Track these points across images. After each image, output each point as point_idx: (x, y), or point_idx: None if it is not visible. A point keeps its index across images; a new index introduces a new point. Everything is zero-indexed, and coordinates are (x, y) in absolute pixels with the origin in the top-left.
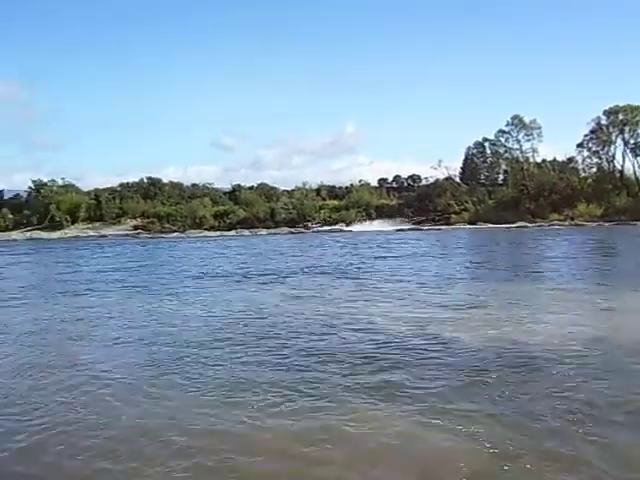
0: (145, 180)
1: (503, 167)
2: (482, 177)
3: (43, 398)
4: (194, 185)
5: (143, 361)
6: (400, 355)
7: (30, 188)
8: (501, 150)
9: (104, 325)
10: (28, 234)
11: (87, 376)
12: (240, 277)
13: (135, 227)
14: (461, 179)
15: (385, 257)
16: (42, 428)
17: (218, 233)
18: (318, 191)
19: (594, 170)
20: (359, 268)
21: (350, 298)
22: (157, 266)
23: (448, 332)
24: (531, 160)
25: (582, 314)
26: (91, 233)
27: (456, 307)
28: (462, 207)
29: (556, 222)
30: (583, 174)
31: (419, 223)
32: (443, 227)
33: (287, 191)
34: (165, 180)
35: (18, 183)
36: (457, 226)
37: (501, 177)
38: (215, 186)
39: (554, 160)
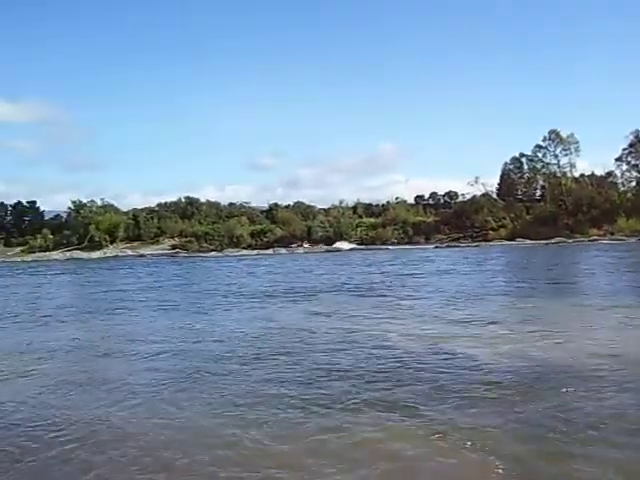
0: (183, 200)
1: (540, 182)
2: (519, 193)
3: (76, 412)
4: (231, 204)
5: (168, 377)
6: (413, 371)
7: (70, 209)
8: (538, 165)
9: (133, 342)
10: (68, 254)
11: (116, 391)
12: (268, 295)
13: (173, 246)
14: (498, 195)
15: (418, 274)
16: (72, 439)
17: (255, 252)
18: (354, 209)
19: (633, 184)
20: (388, 285)
21: (370, 315)
22: (190, 285)
23: (463, 348)
24: (569, 175)
25: (607, 330)
26: (130, 253)
27: (475, 323)
28: (499, 223)
29: (595, 237)
30: (622, 188)
31: (456, 240)
32: (481, 244)
33: (324, 209)
34: (202, 199)
35: (58, 204)
36: (495, 242)
37: (539, 193)
38: (252, 205)
39: (592, 175)
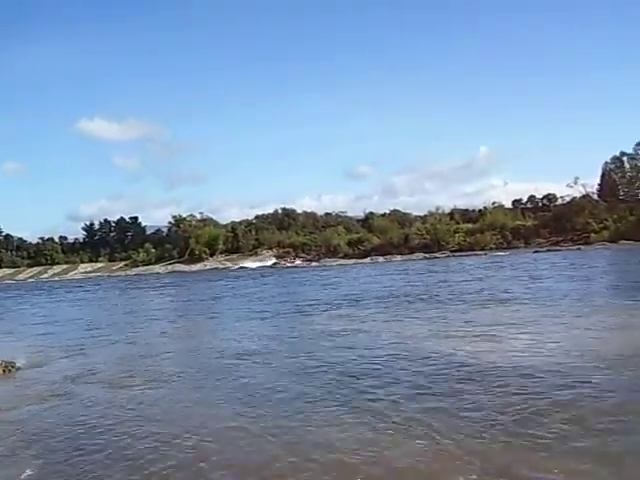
0: (279, 211)
1: None
2: (621, 193)
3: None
4: (327, 214)
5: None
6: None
7: (170, 223)
8: None
9: (216, 341)
10: (170, 267)
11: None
12: (338, 304)
13: (276, 257)
14: (599, 196)
15: (491, 277)
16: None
17: (353, 261)
18: (451, 215)
19: None
20: (464, 292)
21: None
22: (281, 295)
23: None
24: None
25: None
26: (229, 265)
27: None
28: (602, 225)
29: None
30: None
31: (557, 243)
32: (583, 247)
33: (420, 216)
34: (299, 210)
35: (159, 219)
36: (597, 245)
37: None
38: (348, 214)
39: None
